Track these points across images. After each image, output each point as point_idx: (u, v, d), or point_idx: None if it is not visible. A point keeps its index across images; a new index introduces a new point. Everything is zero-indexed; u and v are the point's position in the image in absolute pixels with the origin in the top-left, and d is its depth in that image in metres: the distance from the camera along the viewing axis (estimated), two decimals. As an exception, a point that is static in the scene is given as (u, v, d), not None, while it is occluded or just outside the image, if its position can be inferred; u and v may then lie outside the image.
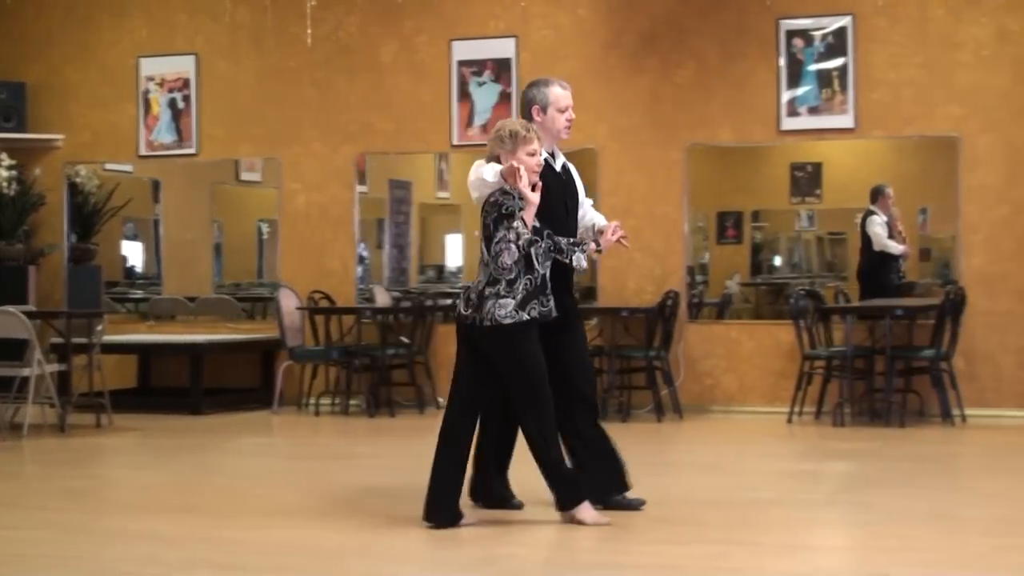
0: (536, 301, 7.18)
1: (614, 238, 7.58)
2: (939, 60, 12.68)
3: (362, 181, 14.29)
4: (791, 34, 12.95)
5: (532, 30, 13.65)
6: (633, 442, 11.32)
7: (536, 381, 7.27)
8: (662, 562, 6.64)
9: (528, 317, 7.17)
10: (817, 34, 12.91)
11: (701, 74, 13.15)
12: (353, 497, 8.69)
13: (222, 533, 7.49)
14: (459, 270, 15.78)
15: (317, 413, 13.41)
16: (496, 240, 7.15)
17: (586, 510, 7.32)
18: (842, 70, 12.84)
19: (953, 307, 12.11)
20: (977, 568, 6.45)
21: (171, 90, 14.56)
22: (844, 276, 14.46)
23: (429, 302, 13.86)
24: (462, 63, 13.79)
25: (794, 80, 12.94)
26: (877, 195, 13.33)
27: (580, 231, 7.83)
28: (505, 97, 13.63)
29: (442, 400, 13.47)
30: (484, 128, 13.66)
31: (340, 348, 13.52)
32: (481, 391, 7.41)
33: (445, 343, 13.81)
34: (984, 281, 12.54)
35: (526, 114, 7.73)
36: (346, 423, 12.95)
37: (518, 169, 7.12)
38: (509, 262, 7.13)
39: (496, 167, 7.24)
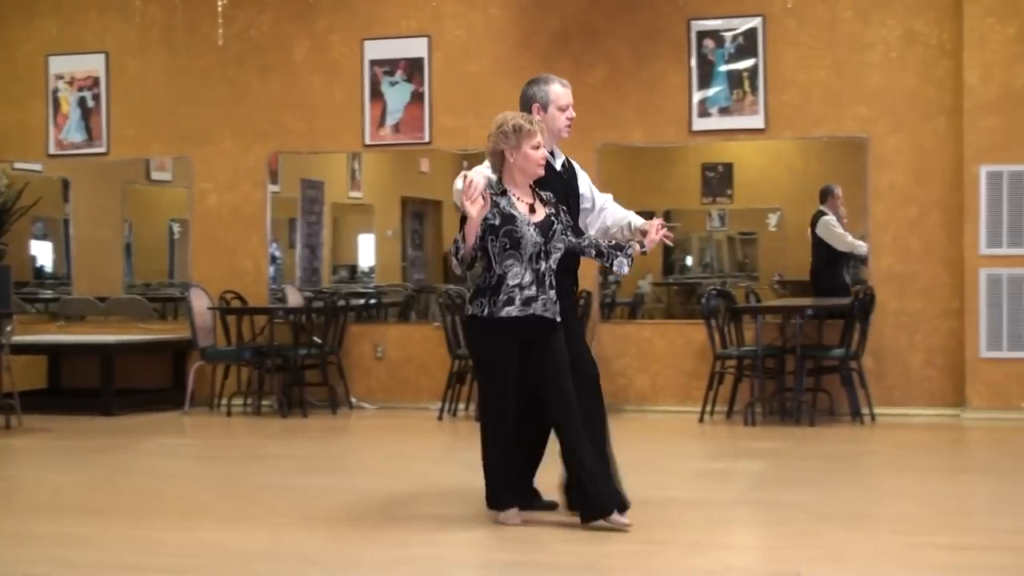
0: (494, 299, 7.18)
1: (659, 237, 7.45)
2: (848, 61, 12.81)
3: (274, 180, 14.22)
4: (702, 35, 13.03)
5: (444, 30, 13.64)
6: (548, 442, 11.36)
7: (486, 380, 7.47)
8: (578, 562, 6.67)
9: (482, 313, 7.22)
10: (728, 35, 12.99)
11: (613, 75, 13.20)
12: (266, 498, 8.65)
13: (135, 534, 7.43)
14: (371, 270, 15.74)
15: (229, 414, 13.33)
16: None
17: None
18: (752, 71, 12.94)
19: (862, 307, 12.24)
20: (887, 565, 6.52)
21: (81, 89, 14.41)
22: (755, 276, 14.58)
23: (342, 302, 13.81)
24: (374, 62, 13.76)
25: (705, 81, 13.02)
26: (827, 195, 13.34)
27: (613, 230, 7.76)
28: (417, 97, 13.61)
29: (355, 400, 13.49)
30: (396, 128, 13.65)
31: (252, 348, 13.45)
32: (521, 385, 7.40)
33: (357, 343, 13.80)
34: (893, 281, 12.68)
35: (526, 112, 7.59)
36: (258, 423, 12.88)
37: (468, 183, 7.08)
38: (455, 267, 7.23)
39: (465, 175, 7.19)
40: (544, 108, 7.60)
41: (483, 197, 7.12)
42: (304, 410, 13.23)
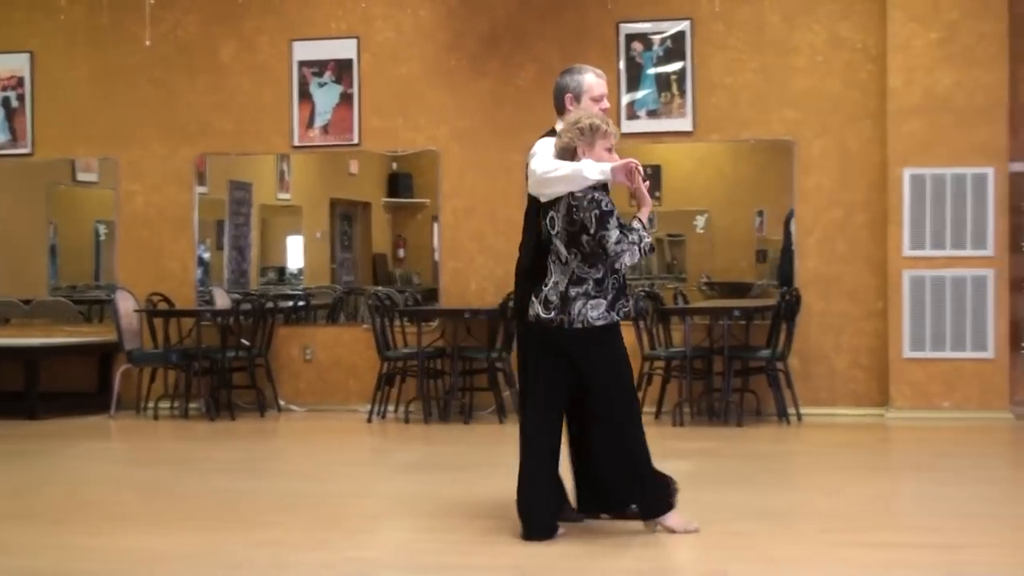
0: (622, 301, 7.00)
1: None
2: (774, 65, 12.90)
3: (202, 182, 14.15)
4: (630, 38, 13.08)
5: (373, 31, 13.62)
6: (476, 443, 11.40)
7: (630, 382, 7.14)
8: (505, 563, 6.68)
9: (619, 317, 6.98)
10: (656, 38, 13.05)
11: (542, 76, 13.18)
12: (194, 501, 8.61)
13: (60, 540, 7.38)
14: (300, 272, 15.68)
15: (156, 417, 13.24)
16: (614, 240, 6.81)
17: (674, 517, 7.18)
18: (680, 74, 13.00)
19: (788, 308, 12.33)
20: (814, 564, 6.58)
21: (5, 88, 14.28)
22: (683, 277, 14.63)
23: (270, 304, 13.75)
24: (303, 64, 13.71)
25: (633, 83, 13.07)
26: None
27: None
28: (346, 98, 13.58)
29: (284, 403, 13.43)
30: (325, 129, 13.61)
31: (179, 351, 13.36)
32: (563, 395, 7.12)
33: (286, 345, 13.75)
34: (818, 282, 12.78)
35: (559, 103, 7.48)
36: (186, 427, 12.81)
37: (636, 167, 6.87)
38: (630, 262, 6.95)
39: (600, 165, 6.90)
40: (577, 99, 7.43)
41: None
42: (232, 413, 13.15)
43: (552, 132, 7.43)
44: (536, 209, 7.23)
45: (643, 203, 7.02)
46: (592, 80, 7.49)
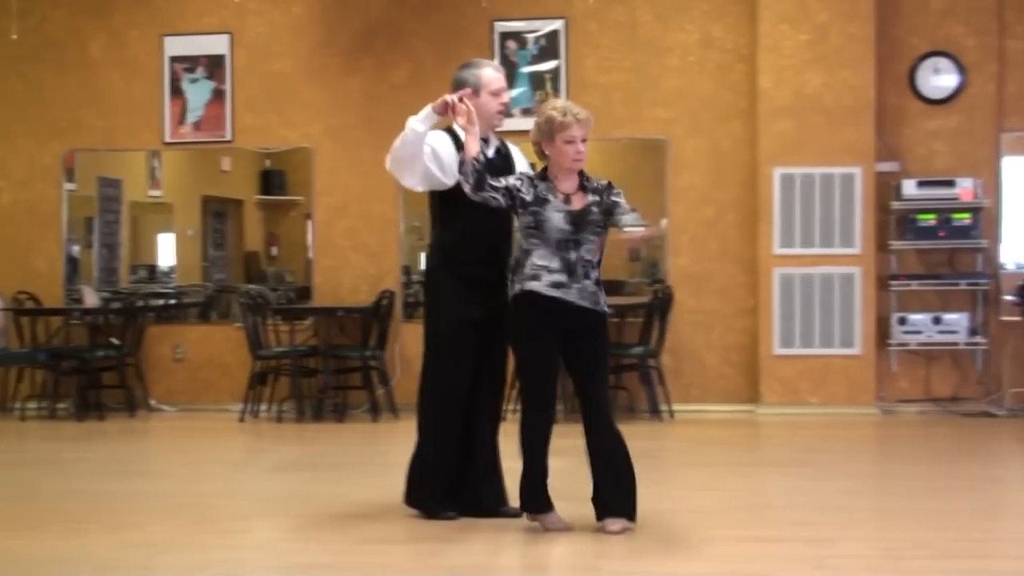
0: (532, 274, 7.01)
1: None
2: (647, 65, 12.98)
3: (70, 179, 13.93)
4: (505, 36, 13.10)
5: (246, 27, 13.50)
6: (349, 442, 11.35)
7: (522, 367, 7.28)
8: (378, 560, 6.66)
9: (520, 287, 7.06)
10: (530, 37, 13.08)
11: (417, 75, 13.18)
12: (62, 503, 8.48)
13: (-78, 543, 7.22)
14: (171, 270, 15.48)
15: (23, 418, 13.01)
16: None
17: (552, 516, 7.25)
18: (555, 73, 13.04)
19: (661, 306, 12.41)
20: (685, 558, 6.62)
21: None
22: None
23: (140, 302, 13.57)
24: (175, 59, 13.56)
25: (509, 82, 13.02)
26: None
27: None
28: (219, 94, 13.45)
29: (154, 402, 13.27)
30: (197, 125, 13.48)
31: (47, 350, 13.15)
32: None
33: (156, 344, 13.58)
34: (690, 280, 12.88)
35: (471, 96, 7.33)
36: (54, 427, 12.60)
37: (450, 100, 7.03)
38: (473, 196, 7.03)
39: (423, 111, 7.13)
40: (476, 93, 7.34)
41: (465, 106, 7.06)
42: (101, 413, 12.96)
43: (448, 129, 7.44)
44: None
45: (467, 131, 7.06)
46: (491, 75, 7.48)
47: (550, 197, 6.97)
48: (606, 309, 7.11)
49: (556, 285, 6.91)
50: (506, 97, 7.53)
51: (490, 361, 7.49)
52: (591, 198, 7.06)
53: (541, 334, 6.98)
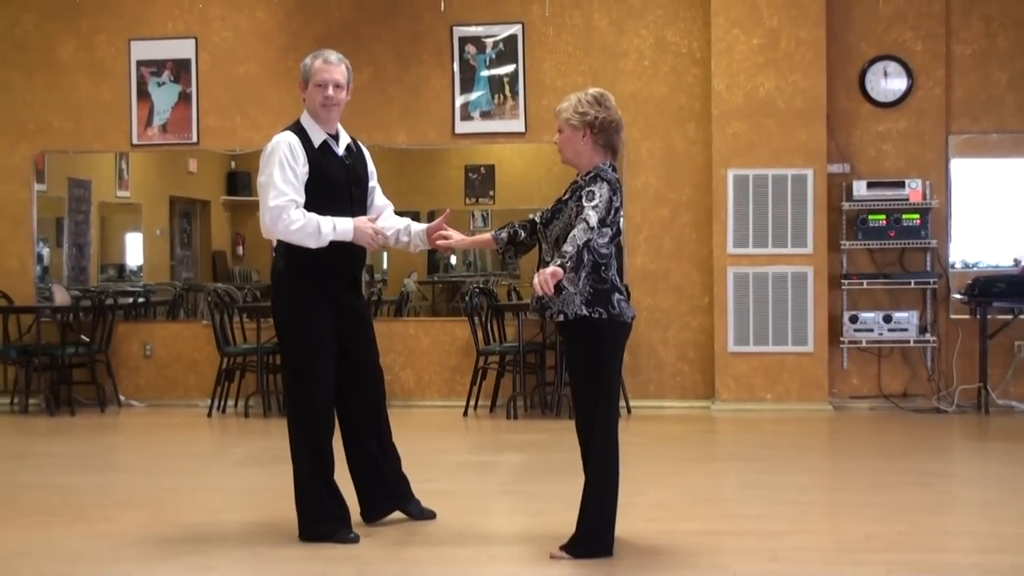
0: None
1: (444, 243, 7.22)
2: (603, 68, 12.97)
3: (40, 180, 13.84)
4: (464, 41, 13.07)
5: (211, 32, 13.44)
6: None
7: None
8: (343, 553, 6.64)
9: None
10: (489, 41, 13.06)
11: (378, 79, 13.15)
12: (32, 496, 8.43)
13: None
14: (140, 268, 15.41)
15: (-6, 413, 12.95)
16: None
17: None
18: (513, 76, 13.03)
19: (618, 303, 12.39)
20: (642, 551, 6.63)
21: None
22: (517, 275, 14.65)
23: (110, 301, 13.49)
24: (141, 63, 13.48)
25: (467, 85, 13.07)
26: None
27: (390, 232, 7.24)
28: (185, 97, 13.38)
29: (124, 398, 13.20)
30: (164, 128, 13.41)
31: (19, 347, 13.07)
32: None
33: (126, 341, 13.51)
34: (646, 279, 12.89)
35: (302, 89, 7.11)
36: (25, 422, 12.52)
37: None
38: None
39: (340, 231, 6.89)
40: (305, 85, 7.06)
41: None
42: (72, 409, 12.89)
43: (294, 124, 7.13)
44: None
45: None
46: (318, 66, 7.03)
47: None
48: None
49: None
50: (331, 91, 7.02)
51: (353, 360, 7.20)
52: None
53: None
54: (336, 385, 7.03)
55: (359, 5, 13.25)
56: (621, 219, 6.60)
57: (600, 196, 6.41)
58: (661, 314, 12.88)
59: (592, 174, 6.58)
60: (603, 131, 6.60)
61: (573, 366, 6.62)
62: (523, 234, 6.82)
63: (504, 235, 6.87)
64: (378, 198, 7.45)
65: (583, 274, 6.35)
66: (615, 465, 6.63)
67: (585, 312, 6.40)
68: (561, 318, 6.45)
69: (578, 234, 6.22)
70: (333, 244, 6.88)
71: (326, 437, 7.00)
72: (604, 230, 6.40)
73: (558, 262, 6.12)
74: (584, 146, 6.64)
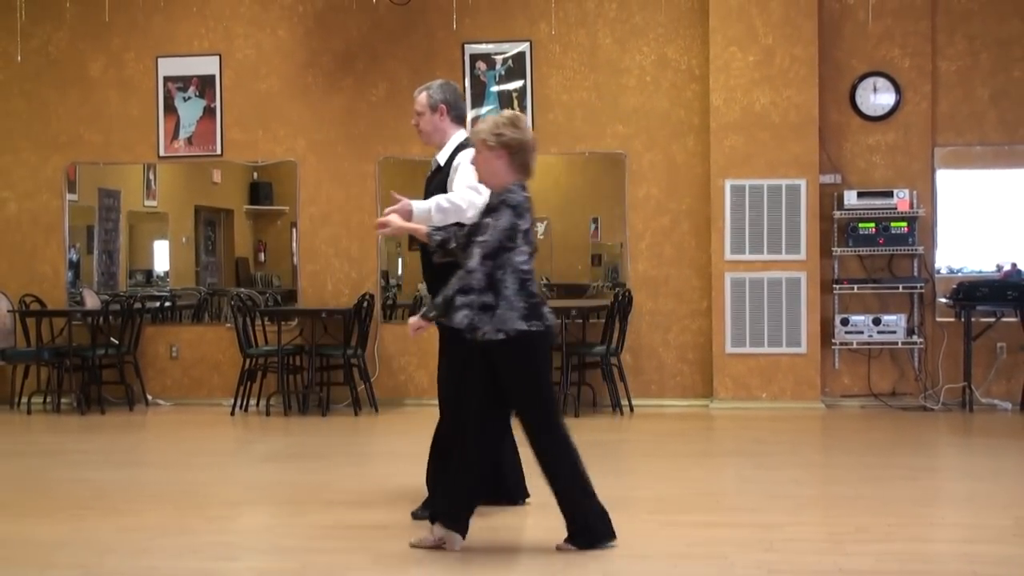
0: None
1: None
2: (607, 84, 12.99)
3: (72, 190, 13.87)
4: (475, 58, 13.09)
5: (235, 49, 13.46)
6: (332, 434, 11.32)
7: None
8: (359, 544, 6.65)
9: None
10: (499, 58, 13.07)
11: (393, 93, 13.16)
12: (65, 490, 8.45)
13: (-66, 529, 7.18)
14: (166, 274, 15.44)
15: (29, 412, 12.93)
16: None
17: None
18: (521, 91, 13.04)
19: (621, 308, 12.41)
20: (644, 543, 6.64)
21: None
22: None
23: (138, 305, 13.52)
24: (168, 79, 13.51)
25: (478, 100, 13.08)
26: None
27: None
28: (209, 112, 13.40)
29: (151, 397, 13.22)
30: (189, 140, 13.43)
31: (51, 349, 13.09)
32: None
33: (153, 343, 13.54)
34: (648, 284, 12.90)
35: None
36: (57, 421, 12.54)
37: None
38: None
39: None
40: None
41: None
42: (102, 407, 12.91)
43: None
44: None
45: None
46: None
47: None
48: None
49: None
50: (415, 119, 7.54)
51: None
52: None
53: None
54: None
55: (376, 24, 13.26)
56: (538, 233, 6.59)
57: (493, 229, 6.36)
58: (662, 317, 12.89)
59: (500, 198, 6.49)
60: (519, 152, 6.54)
61: (514, 383, 6.50)
62: (454, 243, 6.70)
63: (439, 237, 6.75)
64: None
65: (510, 293, 6.37)
66: (573, 451, 6.61)
67: (524, 327, 6.37)
68: (501, 336, 6.38)
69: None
70: None
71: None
72: (523, 248, 6.41)
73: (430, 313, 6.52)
74: (500, 167, 6.53)
